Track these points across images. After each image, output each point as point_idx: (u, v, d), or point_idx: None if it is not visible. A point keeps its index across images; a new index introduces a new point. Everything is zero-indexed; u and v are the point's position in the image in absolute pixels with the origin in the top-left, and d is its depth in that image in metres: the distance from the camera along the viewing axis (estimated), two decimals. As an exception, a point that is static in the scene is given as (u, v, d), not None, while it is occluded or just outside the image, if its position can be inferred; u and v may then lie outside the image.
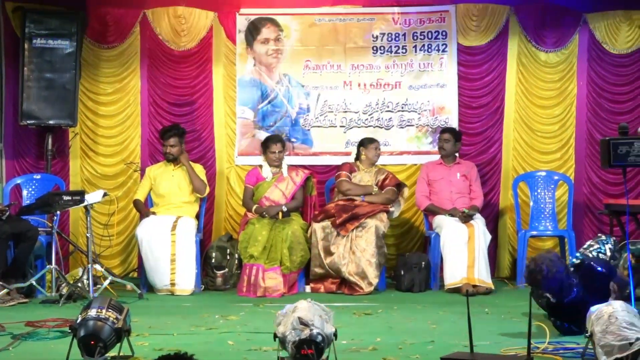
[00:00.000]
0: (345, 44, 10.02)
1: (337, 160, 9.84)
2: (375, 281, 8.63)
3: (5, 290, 7.89)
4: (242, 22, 10.02)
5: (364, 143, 9.35)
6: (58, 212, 8.45)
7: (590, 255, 6.69)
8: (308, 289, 8.88)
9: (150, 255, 8.64)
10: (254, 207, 9.05)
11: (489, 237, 8.89)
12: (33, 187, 9.36)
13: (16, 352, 5.71)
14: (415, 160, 9.87)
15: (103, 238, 9.54)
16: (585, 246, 6.92)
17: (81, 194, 8.26)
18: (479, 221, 8.88)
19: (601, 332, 4.79)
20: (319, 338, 4.74)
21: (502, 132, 9.92)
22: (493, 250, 9.68)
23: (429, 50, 9.94)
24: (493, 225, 9.78)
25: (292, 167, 9.33)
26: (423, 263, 8.90)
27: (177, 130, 9.16)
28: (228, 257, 9.13)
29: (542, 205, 9.49)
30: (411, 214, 9.82)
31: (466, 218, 8.82)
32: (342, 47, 10.02)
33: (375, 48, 9.98)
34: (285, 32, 10.03)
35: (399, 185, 9.27)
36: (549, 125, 9.89)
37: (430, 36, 9.94)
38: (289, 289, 8.68)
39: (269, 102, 10.04)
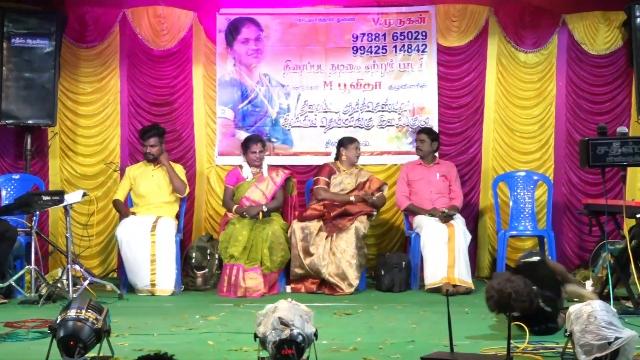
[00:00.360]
0: (325, 44, 10.03)
1: (317, 160, 9.85)
2: (355, 282, 8.64)
3: (-16, 291, 7.87)
4: (222, 22, 10.01)
5: (344, 143, 9.34)
6: (37, 212, 8.41)
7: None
8: (288, 289, 8.88)
9: (130, 255, 8.61)
10: (234, 207, 9.04)
11: (469, 237, 8.91)
12: (12, 187, 9.32)
13: (-5, 353, 5.69)
14: (396, 161, 9.89)
15: (82, 238, 9.51)
16: None
17: (60, 194, 8.22)
18: (459, 221, 8.90)
19: (580, 331, 4.81)
20: (300, 338, 4.74)
21: (482, 132, 9.95)
22: (473, 250, 9.71)
23: (409, 50, 9.96)
24: (473, 225, 9.82)
25: (272, 167, 9.33)
26: (403, 263, 8.92)
27: (157, 130, 9.14)
28: (208, 258, 9.12)
29: (521, 205, 9.52)
30: (391, 214, 9.84)
31: (446, 218, 8.84)
32: (322, 47, 10.03)
33: (355, 48, 10.00)
34: (265, 32, 10.02)
35: (380, 188, 9.28)
36: (529, 126, 9.94)
37: (410, 36, 9.96)
38: (269, 289, 8.67)
39: (249, 102, 10.03)
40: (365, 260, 8.96)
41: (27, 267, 8.14)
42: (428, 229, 8.75)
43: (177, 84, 10.02)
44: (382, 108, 9.98)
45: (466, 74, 9.98)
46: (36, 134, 9.71)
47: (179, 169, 9.22)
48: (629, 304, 7.24)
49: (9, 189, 9.31)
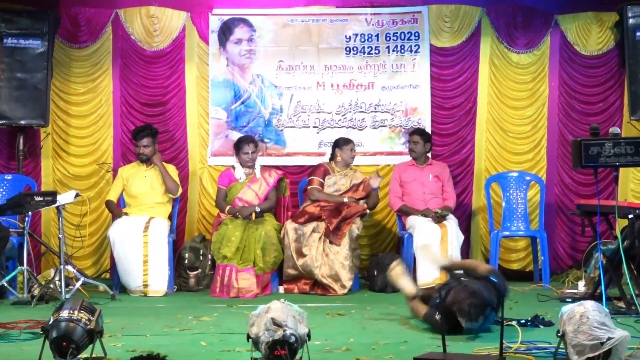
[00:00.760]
0: (318, 44, 10.03)
1: (310, 161, 9.85)
2: (348, 284, 8.64)
3: (-24, 292, 7.86)
4: (214, 23, 10.00)
5: (339, 144, 9.34)
6: (30, 213, 8.40)
7: None
8: (281, 289, 8.88)
9: (122, 256, 8.60)
10: (227, 207, 9.04)
11: (461, 237, 8.92)
12: (4, 187, 9.30)
13: (-13, 353, 5.68)
14: (388, 161, 9.89)
15: (75, 239, 9.48)
16: None
17: (53, 194, 8.20)
18: (451, 222, 8.90)
19: (573, 331, 4.82)
20: (292, 339, 4.74)
21: (475, 133, 9.96)
22: (466, 251, 9.71)
23: (402, 51, 9.96)
24: (465, 225, 9.83)
25: (265, 168, 9.32)
26: (396, 263, 8.91)
27: (150, 130, 9.13)
28: (201, 258, 9.11)
29: (514, 206, 9.53)
30: (384, 214, 9.84)
31: (439, 218, 8.84)
32: (315, 48, 10.03)
33: (348, 49, 10.00)
34: (258, 33, 10.02)
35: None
36: (521, 126, 9.95)
37: (403, 37, 9.97)
38: (262, 290, 8.67)
39: (242, 103, 10.02)
40: (359, 261, 8.96)
41: (19, 267, 8.12)
42: (421, 229, 8.74)
43: (170, 84, 10.01)
44: (375, 108, 9.99)
45: (459, 74, 9.99)
46: (28, 135, 9.69)
47: (172, 170, 9.21)
48: (621, 304, 7.26)
49: (1, 190, 9.28)
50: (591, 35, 9.84)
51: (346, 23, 10.02)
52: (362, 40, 9.99)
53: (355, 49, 9.99)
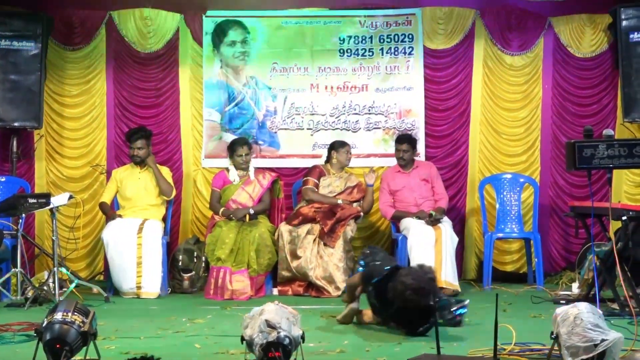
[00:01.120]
0: (312, 46, 10.03)
1: (304, 163, 9.86)
2: (342, 285, 8.62)
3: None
4: (208, 24, 10.01)
5: (335, 146, 9.35)
6: (23, 215, 8.39)
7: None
8: (275, 291, 8.87)
9: (116, 258, 8.59)
10: (221, 209, 9.03)
11: (455, 239, 8.91)
12: (-3, 189, 9.30)
13: (-19, 356, 5.67)
14: (382, 163, 9.89)
15: (69, 241, 9.45)
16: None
17: (47, 196, 8.19)
18: (445, 224, 8.89)
19: (567, 333, 4.82)
20: (287, 341, 4.74)
21: (469, 134, 9.97)
22: (460, 253, 9.71)
23: (396, 53, 9.97)
24: (459, 227, 9.83)
25: (259, 170, 9.32)
26: (390, 266, 8.91)
27: (144, 132, 9.13)
28: (195, 260, 9.11)
29: (508, 208, 9.54)
30: (378, 216, 9.83)
31: (433, 222, 8.83)
32: (309, 50, 10.03)
33: (342, 51, 10.00)
34: (252, 35, 10.02)
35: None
36: (515, 128, 9.96)
37: (396, 39, 9.97)
38: (256, 292, 8.67)
39: (236, 105, 10.02)
40: (353, 263, 8.95)
41: (13, 270, 8.12)
42: (415, 231, 8.73)
43: (164, 86, 10.01)
44: (369, 110, 9.99)
45: (452, 76, 10.00)
46: (22, 137, 9.68)
47: (166, 172, 9.21)
48: (615, 306, 7.27)
49: (-6, 192, 9.29)
50: (584, 38, 9.85)
51: (340, 25, 10.03)
52: (356, 42, 9.99)
53: (349, 51, 10.00)
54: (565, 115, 9.89)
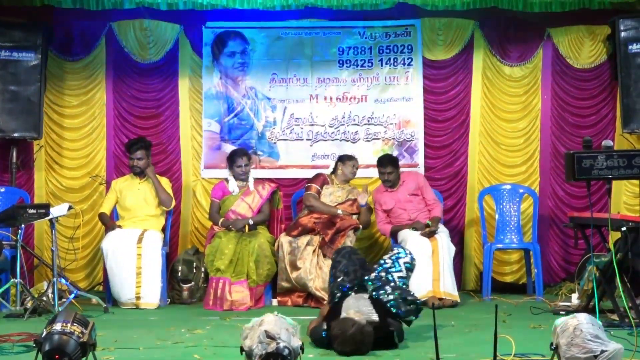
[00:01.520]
0: (311, 57, 10.05)
1: (303, 174, 9.87)
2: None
3: (-32, 305, 7.84)
4: (208, 35, 10.02)
5: (343, 159, 9.36)
6: (23, 226, 8.36)
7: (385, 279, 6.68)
8: (275, 302, 8.87)
9: (115, 268, 8.59)
10: (221, 220, 9.03)
11: (453, 249, 8.90)
12: (-3, 200, 9.30)
13: (-20, 367, 5.66)
14: (381, 174, 9.89)
15: (68, 251, 9.43)
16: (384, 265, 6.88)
17: (46, 207, 8.18)
18: (442, 234, 8.88)
19: (566, 344, 4.82)
20: (286, 351, 4.74)
21: (468, 145, 9.98)
22: (459, 264, 9.73)
23: (395, 64, 9.99)
24: (459, 238, 9.84)
25: (258, 181, 9.32)
26: (389, 276, 8.90)
27: (144, 143, 9.13)
28: (194, 271, 9.10)
29: (507, 218, 9.54)
30: (377, 227, 9.82)
31: (430, 235, 8.81)
32: (308, 61, 10.05)
33: (341, 61, 10.02)
34: (251, 46, 10.04)
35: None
36: (514, 139, 9.97)
37: (396, 50, 9.99)
38: (255, 303, 8.66)
39: (235, 115, 10.03)
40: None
41: (12, 280, 8.10)
42: (412, 243, 8.69)
43: (163, 97, 10.02)
44: (368, 121, 10.00)
45: (452, 87, 10.02)
46: (22, 147, 9.68)
47: (165, 182, 9.21)
48: (615, 317, 7.26)
49: (-6, 202, 9.29)
50: (583, 49, 9.88)
51: (339, 36, 10.04)
52: (355, 53, 10.01)
53: (348, 61, 10.01)
54: (564, 126, 9.90)
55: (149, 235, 8.76)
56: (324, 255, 8.74)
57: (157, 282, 8.61)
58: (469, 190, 9.96)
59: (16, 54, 9.34)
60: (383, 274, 6.64)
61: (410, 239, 8.77)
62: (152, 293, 8.56)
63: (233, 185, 9.19)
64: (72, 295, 8.09)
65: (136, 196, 9.09)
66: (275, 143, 10.03)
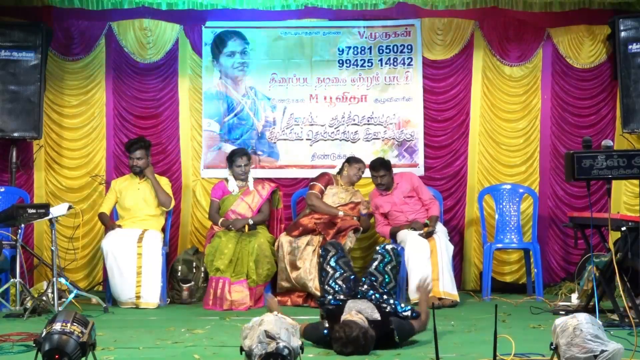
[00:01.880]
0: (311, 57, 10.05)
1: (303, 174, 9.89)
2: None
3: (-32, 304, 7.84)
4: (208, 35, 10.02)
5: (350, 160, 9.36)
6: (22, 225, 8.38)
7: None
8: (274, 302, 8.86)
9: (115, 268, 8.58)
10: (220, 220, 9.03)
11: (451, 248, 8.89)
12: (-3, 200, 9.30)
13: (-21, 366, 5.66)
14: (381, 173, 9.89)
15: (68, 251, 9.45)
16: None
17: (46, 207, 8.17)
18: (440, 233, 8.86)
19: (566, 344, 4.81)
20: (286, 351, 4.74)
21: (468, 145, 9.98)
22: (459, 263, 9.74)
23: (395, 63, 9.99)
24: (459, 238, 9.85)
25: (258, 180, 9.32)
26: (389, 276, 8.90)
27: (144, 142, 9.13)
28: (194, 271, 9.10)
29: (507, 218, 9.53)
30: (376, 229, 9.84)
31: (428, 235, 8.80)
32: (308, 61, 10.05)
33: (341, 61, 10.02)
34: (251, 46, 10.04)
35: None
36: (514, 139, 9.97)
37: (395, 50, 9.99)
38: (255, 302, 8.66)
39: (235, 115, 10.04)
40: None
41: (12, 280, 8.10)
42: (411, 243, 8.71)
43: (163, 96, 10.02)
44: (368, 121, 10.01)
45: (451, 87, 10.02)
46: (21, 147, 9.68)
47: (165, 182, 9.21)
48: (615, 316, 7.26)
49: (-7, 202, 9.29)
50: (583, 48, 9.88)
51: (339, 36, 10.05)
52: (355, 52, 10.01)
53: (348, 61, 10.02)
54: (564, 126, 9.90)
55: (149, 235, 8.76)
56: (315, 249, 8.75)
57: (157, 282, 8.61)
58: (469, 190, 9.96)
59: (16, 54, 9.34)
60: (372, 291, 6.59)
61: (409, 240, 8.76)
62: (152, 293, 8.56)
63: (233, 185, 9.19)
64: (72, 295, 8.08)
65: (136, 196, 9.08)
66: (275, 143, 10.03)
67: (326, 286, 6.78)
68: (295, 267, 8.74)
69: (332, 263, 6.88)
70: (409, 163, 9.92)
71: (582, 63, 9.90)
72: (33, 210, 8.05)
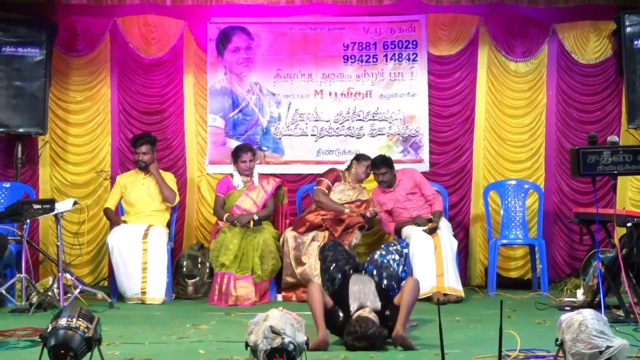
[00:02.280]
0: (316, 52, 10.04)
1: (308, 169, 9.90)
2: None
3: (-26, 300, 7.85)
4: (212, 31, 10.02)
5: (359, 158, 9.34)
6: (28, 221, 8.40)
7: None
8: (279, 297, 8.87)
9: (121, 263, 8.60)
10: (225, 215, 9.03)
11: (455, 243, 8.89)
12: (2, 195, 9.31)
13: (-15, 362, 5.67)
14: (386, 169, 9.88)
15: (73, 247, 9.46)
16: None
17: (51, 202, 8.19)
18: (444, 229, 8.86)
19: (571, 340, 4.80)
20: (291, 347, 4.73)
21: (473, 141, 9.97)
22: (464, 259, 9.74)
23: (400, 59, 9.98)
24: (464, 233, 9.85)
25: (263, 176, 9.32)
26: (394, 272, 8.89)
27: (149, 137, 9.15)
28: (199, 266, 9.11)
29: (512, 214, 9.53)
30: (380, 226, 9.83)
31: (432, 231, 8.79)
32: (312, 56, 10.04)
33: (346, 57, 10.01)
34: (256, 41, 10.04)
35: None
36: (519, 135, 9.96)
37: (400, 45, 9.98)
38: (260, 298, 8.66)
39: (240, 111, 10.03)
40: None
41: (17, 275, 8.11)
42: (415, 239, 8.70)
43: (168, 92, 10.02)
44: (373, 117, 10.00)
45: (456, 82, 10.01)
46: (26, 143, 9.70)
47: (170, 178, 9.21)
48: (620, 312, 7.25)
49: (-1, 198, 9.31)
50: (589, 44, 9.86)
51: (344, 31, 10.04)
52: (360, 48, 10.00)
53: (353, 57, 10.01)
54: (569, 122, 9.89)
55: (154, 230, 8.77)
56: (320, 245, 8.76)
57: (162, 277, 8.62)
58: (474, 186, 9.95)
59: (21, 50, 9.35)
60: (376, 256, 6.66)
61: (414, 236, 8.76)
62: (157, 288, 8.57)
63: (238, 181, 9.20)
64: (77, 290, 8.10)
65: (140, 191, 9.09)
66: (279, 138, 10.03)
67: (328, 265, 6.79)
68: (300, 262, 8.74)
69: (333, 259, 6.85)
70: (414, 159, 9.91)
71: (588, 59, 9.88)
72: (38, 206, 8.07)
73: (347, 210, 9.01)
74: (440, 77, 10.02)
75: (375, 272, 6.51)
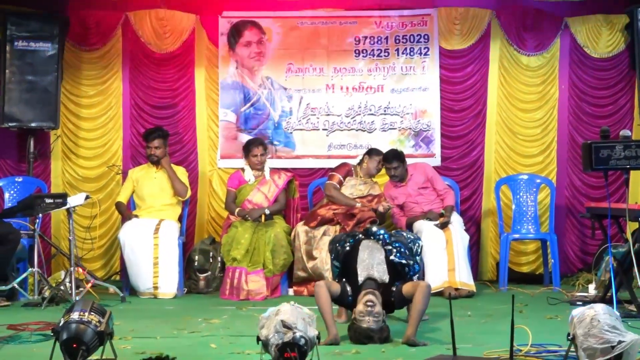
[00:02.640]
0: (327, 47, 10.03)
1: (319, 164, 9.89)
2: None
3: (-14, 294, 7.87)
4: (224, 25, 10.02)
5: (371, 153, 9.28)
6: (40, 215, 8.42)
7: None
8: (291, 292, 8.87)
9: (133, 258, 8.61)
10: (237, 210, 9.04)
11: (466, 237, 8.88)
12: (15, 189, 9.33)
13: (-2, 355, 5.69)
14: (398, 163, 9.87)
15: (85, 241, 9.48)
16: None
17: (63, 196, 8.21)
18: (455, 223, 8.85)
19: (583, 335, 4.79)
20: (302, 341, 4.74)
21: (485, 135, 9.95)
22: (476, 254, 9.72)
23: (412, 53, 9.96)
24: (475, 228, 9.83)
25: (274, 170, 9.32)
26: (406, 267, 8.89)
27: (162, 131, 9.15)
28: (211, 260, 9.12)
29: (524, 209, 9.51)
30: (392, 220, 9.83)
31: (443, 225, 8.78)
32: (324, 50, 10.04)
33: (357, 51, 10.00)
34: (267, 35, 10.03)
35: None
36: (531, 129, 9.94)
37: (412, 39, 9.96)
38: (271, 292, 8.67)
39: (252, 105, 10.04)
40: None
41: (30, 269, 8.14)
42: (426, 234, 8.67)
43: (180, 86, 10.03)
44: (385, 111, 9.99)
45: (468, 77, 9.99)
46: (39, 137, 9.72)
47: (181, 172, 9.22)
48: (632, 307, 7.24)
49: (11, 192, 9.32)
50: (601, 38, 9.83)
51: (355, 25, 10.02)
52: (372, 42, 9.99)
53: (364, 51, 9.99)
54: (581, 116, 9.87)
55: (166, 225, 8.78)
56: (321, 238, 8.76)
57: (174, 271, 8.64)
58: (486, 180, 9.93)
59: (33, 44, 9.36)
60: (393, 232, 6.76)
61: (425, 230, 8.75)
62: (169, 283, 8.58)
63: (249, 175, 9.19)
64: (89, 284, 8.12)
65: (152, 185, 9.10)
66: (291, 133, 10.03)
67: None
68: (311, 256, 8.74)
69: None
70: (426, 153, 9.90)
71: (600, 52, 9.85)
72: (51, 200, 8.08)
73: (358, 205, 9.00)
74: (452, 71, 10.00)
75: (388, 240, 6.59)
